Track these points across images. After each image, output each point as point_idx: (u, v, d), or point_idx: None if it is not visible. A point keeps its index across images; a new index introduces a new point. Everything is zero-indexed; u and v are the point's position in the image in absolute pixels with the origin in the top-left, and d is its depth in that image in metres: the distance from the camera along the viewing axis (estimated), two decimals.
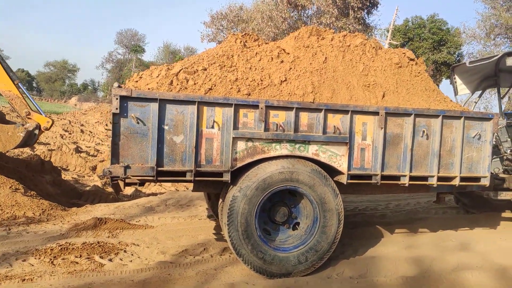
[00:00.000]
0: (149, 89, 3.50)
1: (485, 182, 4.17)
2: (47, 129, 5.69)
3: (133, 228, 5.21)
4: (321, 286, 3.57)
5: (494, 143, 6.00)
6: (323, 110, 3.65)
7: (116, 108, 3.27)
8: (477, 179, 4.18)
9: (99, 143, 16.25)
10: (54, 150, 12.04)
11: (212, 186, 3.97)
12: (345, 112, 3.72)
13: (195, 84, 3.59)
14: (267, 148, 3.62)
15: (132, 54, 57.94)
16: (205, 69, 3.79)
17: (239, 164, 3.58)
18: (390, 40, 21.81)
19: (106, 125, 21.28)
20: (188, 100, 3.39)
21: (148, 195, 7.88)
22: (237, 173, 3.66)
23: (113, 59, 60.49)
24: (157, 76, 3.66)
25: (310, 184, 3.69)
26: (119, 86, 3.32)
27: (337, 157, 3.78)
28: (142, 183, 3.89)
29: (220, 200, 4.19)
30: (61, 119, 19.86)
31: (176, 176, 3.53)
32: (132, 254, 4.24)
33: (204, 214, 6.11)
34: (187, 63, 3.90)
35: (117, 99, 3.26)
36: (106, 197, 7.54)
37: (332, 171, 3.86)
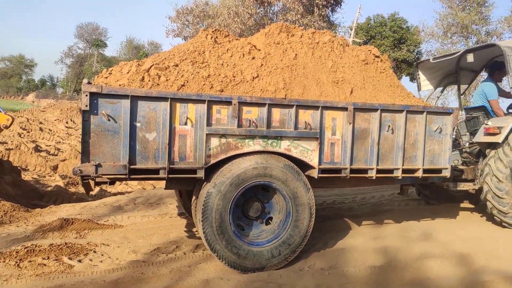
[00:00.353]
0: (120, 85, 3.43)
1: (446, 173, 4.40)
2: (7, 127, 5.44)
3: (101, 228, 5.09)
4: (294, 278, 3.65)
5: (454, 136, 6.36)
6: (295, 106, 3.72)
7: (86, 105, 3.18)
8: (439, 170, 4.40)
9: (59, 142, 15.60)
10: (12, 149, 11.45)
11: (185, 183, 3.96)
12: (315, 108, 3.81)
13: (167, 80, 3.56)
14: (241, 144, 3.66)
15: (94, 49, 55.81)
16: (177, 65, 3.76)
17: (213, 161, 3.59)
18: (353, 38, 22.37)
19: (67, 122, 20.47)
20: (161, 96, 3.35)
21: (115, 194, 7.69)
22: (211, 170, 3.67)
23: (73, 54, 58.02)
24: (128, 72, 3.59)
25: (283, 179, 3.76)
26: (89, 83, 3.23)
27: (308, 152, 3.87)
28: (112, 182, 3.81)
29: (193, 197, 4.18)
30: (18, 117, 18.88)
31: (149, 174, 3.49)
32: (102, 255, 4.15)
33: (175, 211, 6.06)
34: (157, 59, 3.85)
35: (86, 96, 3.17)
36: (69, 198, 7.26)
37: (303, 166, 3.94)
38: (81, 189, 7.67)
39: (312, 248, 4.44)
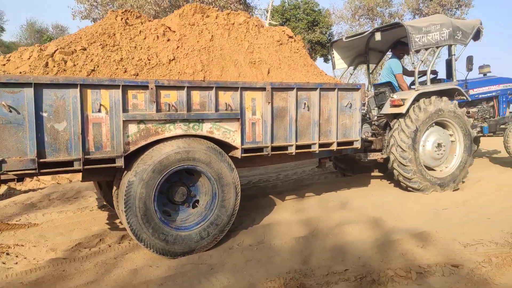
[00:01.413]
0: (20, 73, 3.12)
1: (357, 145, 4.77)
2: None
3: (13, 229, 4.66)
4: (224, 257, 3.72)
5: (364, 111, 6.91)
6: (214, 88, 3.71)
7: None
8: (351, 143, 4.73)
9: None
10: None
11: (104, 173, 3.77)
12: (235, 89, 3.84)
13: (74, 65, 3.31)
14: (161, 129, 3.57)
15: None
16: (85, 49, 3.51)
17: (132, 148, 3.46)
18: (270, 20, 22.73)
19: None
20: (69, 83, 3.10)
21: (26, 191, 7.05)
22: (131, 157, 3.54)
23: None
24: (29, 58, 3.27)
25: (206, 161, 3.77)
26: None
27: (230, 133, 3.92)
28: (21, 178, 3.49)
29: (114, 188, 4.00)
30: None
31: (62, 166, 3.25)
32: (16, 256, 3.82)
33: (96, 204, 5.76)
34: (62, 43, 3.55)
35: None
36: None
37: (227, 147, 3.99)
38: None
39: (240, 226, 4.55)
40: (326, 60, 27.41)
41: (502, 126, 7.45)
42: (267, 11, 23.76)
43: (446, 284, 3.08)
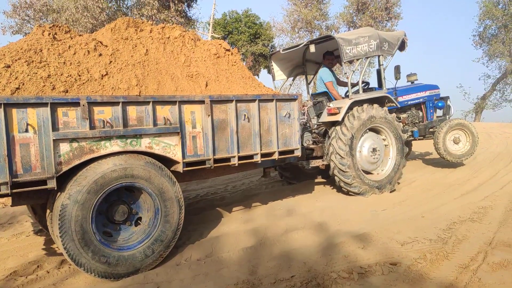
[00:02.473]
0: None
1: (298, 153, 4.89)
2: None
3: None
4: (171, 274, 3.63)
5: (305, 120, 7.14)
6: (151, 103, 3.65)
7: None
8: (292, 151, 4.85)
9: None
10: None
11: (36, 196, 3.54)
12: (173, 103, 3.81)
13: None
14: (96, 146, 3.44)
15: None
16: (9, 66, 3.31)
17: (65, 168, 3.29)
18: (212, 33, 22.88)
19: None
20: None
21: None
22: (65, 178, 3.38)
23: None
24: None
25: (146, 177, 3.68)
26: None
27: (171, 147, 3.87)
28: None
29: (48, 211, 3.78)
30: None
31: None
32: None
33: (32, 229, 5.38)
34: None
35: None
36: None
37: (168, 162, 3.93)
38: None
39: (188, 241, 4.47)
40: (269, 72, 27.99)
41: (431, 130, 8.04)
42: (209, 24, 23.91)
43: (385, 282, 3.23)
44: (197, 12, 64.57)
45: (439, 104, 8.23)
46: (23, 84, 3.21)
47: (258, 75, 26.18)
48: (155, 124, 3.72)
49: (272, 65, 7.44)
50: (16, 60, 3.42)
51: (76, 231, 3.33)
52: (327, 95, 6.89)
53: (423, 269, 3.42)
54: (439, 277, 3.26)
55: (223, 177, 8.63)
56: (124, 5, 18.95)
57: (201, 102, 3.98)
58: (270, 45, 26.27)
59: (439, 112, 8.41)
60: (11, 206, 3.61)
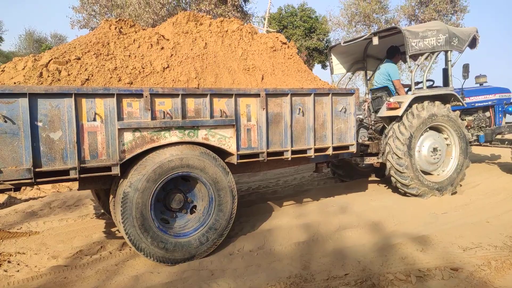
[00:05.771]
0: (15, 83, 3.14)
1: (353, 149, 4.76)
2: None
3: (14, 237, 4.67)
4: (224, 263, 3.72)
5: (362, 116, 6.92)
6: (209, 95, 3.73)
7: None
8: (346, 147, 4.74)
9: None
10: None
11: (100, 182, 3.78)
12: (229, 96, 3.86)
13: (69, 75, 3.34)
14: (156, 136, 3.59)
15: None
16: (79, 59, 3.54)
17: (128, 156, 3.47)
18: (267, 27, 22.90)
19: None
20: (63, 92, 3.13)
21: (27, 200, 7.07)
22: (128, 165, 3.56)
23: None
24: (23, 69, 3.30)
25: (200, 167, 3.78)
26: None
27: (226, 139, 3.94)
28: (18, 188, 3.50)
29: (111, 197, 4.01)
30: None
31: (59, 175, 3.26)
32: (18, 264, 3.82)
33: (96, 212, 5.76)
34: (57, 53, 3.58)
35: None
36: None
37: (223, 153, 4.00)
38: None
39: (240, 232, 4.54)
40: (323, 67, 27.53)
41: (498, 136, 7.44)
42: (264, 19, 23.95)
43: (445, 287, 3.07)
44: (253, 6, 64.93)
45: (510, 109, 7.57)
46: (92, 76, 3.42)
47: (311, 70, 25.82)
48: (211, 116, 3.80)
49: (331, 58, 7.24)
50: (85, 52, 3.65)
51: (136, 217, 3.50)
52: (387, 90, 6.60)
53: (487, 276, 3.22)
54: (505, 286, 3.06)
55: (275, 171, 8.66)
56: (183, 1, 19.52)
57: (257, 95, 4.00)
58: (325, 39, 25.79)
59: (509, 118, 7.75)
60: (78, 190, 3.88)
